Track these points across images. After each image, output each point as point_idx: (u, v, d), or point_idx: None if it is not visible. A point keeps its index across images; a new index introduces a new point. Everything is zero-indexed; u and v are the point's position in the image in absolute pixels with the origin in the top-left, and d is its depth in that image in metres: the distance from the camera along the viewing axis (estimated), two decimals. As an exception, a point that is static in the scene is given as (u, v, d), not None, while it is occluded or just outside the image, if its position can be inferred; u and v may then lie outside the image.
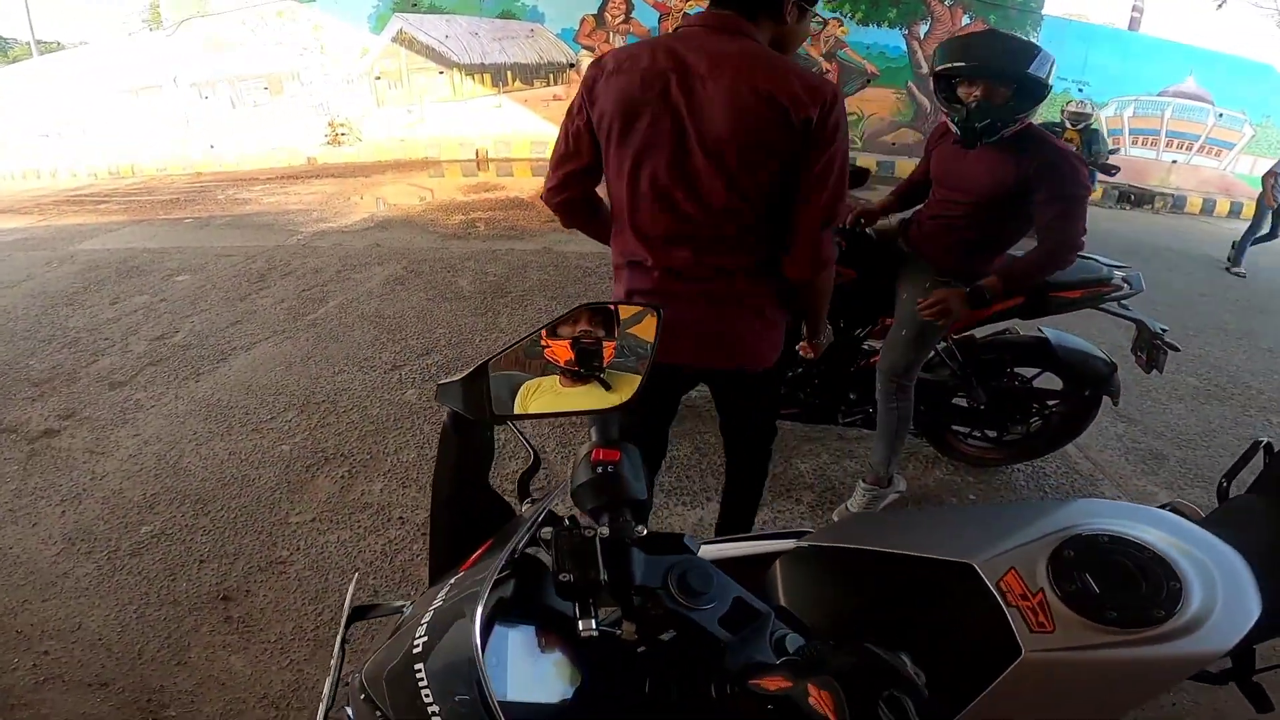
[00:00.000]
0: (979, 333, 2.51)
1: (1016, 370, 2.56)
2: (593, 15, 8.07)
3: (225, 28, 8.82)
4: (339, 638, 0.75)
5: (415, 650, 0.59)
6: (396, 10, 8.26)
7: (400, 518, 2.23)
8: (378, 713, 0.61)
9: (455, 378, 0.75)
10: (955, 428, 2.63)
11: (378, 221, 5.93)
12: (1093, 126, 5.54)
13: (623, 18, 7.98)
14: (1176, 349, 2.36)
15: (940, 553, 0.85)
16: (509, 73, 8.40)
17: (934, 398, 2.46)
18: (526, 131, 8.58)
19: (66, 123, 9.84)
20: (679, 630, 0.64)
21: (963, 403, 2.54)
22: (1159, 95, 8.64)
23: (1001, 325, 2.51)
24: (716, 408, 1.68)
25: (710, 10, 1.24)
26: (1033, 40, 7.94)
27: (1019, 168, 1.86)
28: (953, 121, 1.95)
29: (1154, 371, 2.37)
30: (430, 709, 0.54)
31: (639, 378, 0.76)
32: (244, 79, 9.07)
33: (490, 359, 0.74)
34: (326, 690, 0.67)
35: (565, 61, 8.36)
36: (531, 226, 5.69)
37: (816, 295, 1.38)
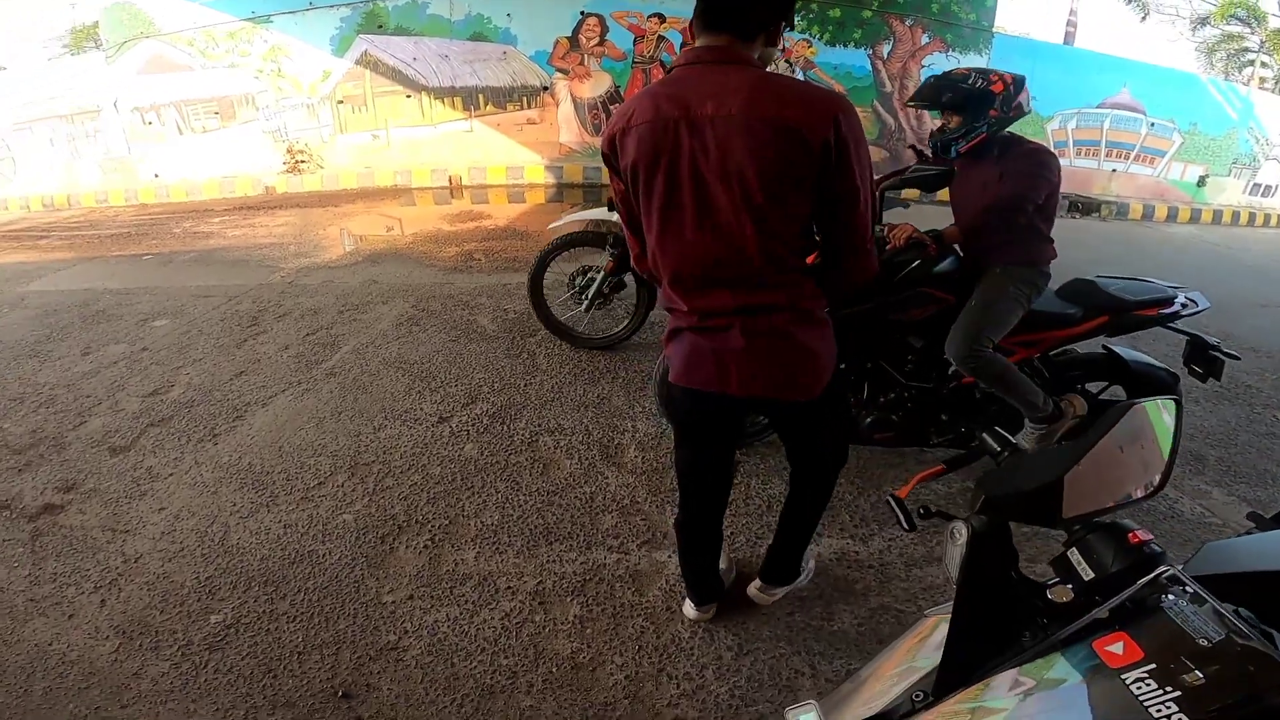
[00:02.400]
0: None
1: (1085, 386, 2.62)
2: (566, 37, 7.98)
3: (172, 50, 8.27)
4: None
5: None
6: (361, 32, 7.94)
7: (509, 588, 2.05)
8: None
9: (1013, 489, 0.77)
10: None
11: (366, 255, 5.63)
12: None
13: (597, 40, 7.91)
14: (1237, 358, 2.46)
15: None
16: (481, 96, 8.19)
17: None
18: (500, 157, 8.34)
19: (-11, 152, 9.00)
20: None
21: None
22: (1098, 107, 9.22)
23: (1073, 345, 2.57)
24: (779, 436, 1.75)
25: (702, 45, 1.20)
26: (983, 61, 8.35)
27: (999, 166, 2.28)
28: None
29: (1210, 380, 2.48)
30: None
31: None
32: (191, 103, 8.52)
33: (1064, 473, 0.75)
34: None
35: (539, 85, 8.22)
36: (534, 258, 5.51)
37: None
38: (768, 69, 1.24)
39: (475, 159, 8.34)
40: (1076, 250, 5.76)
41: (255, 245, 6.11)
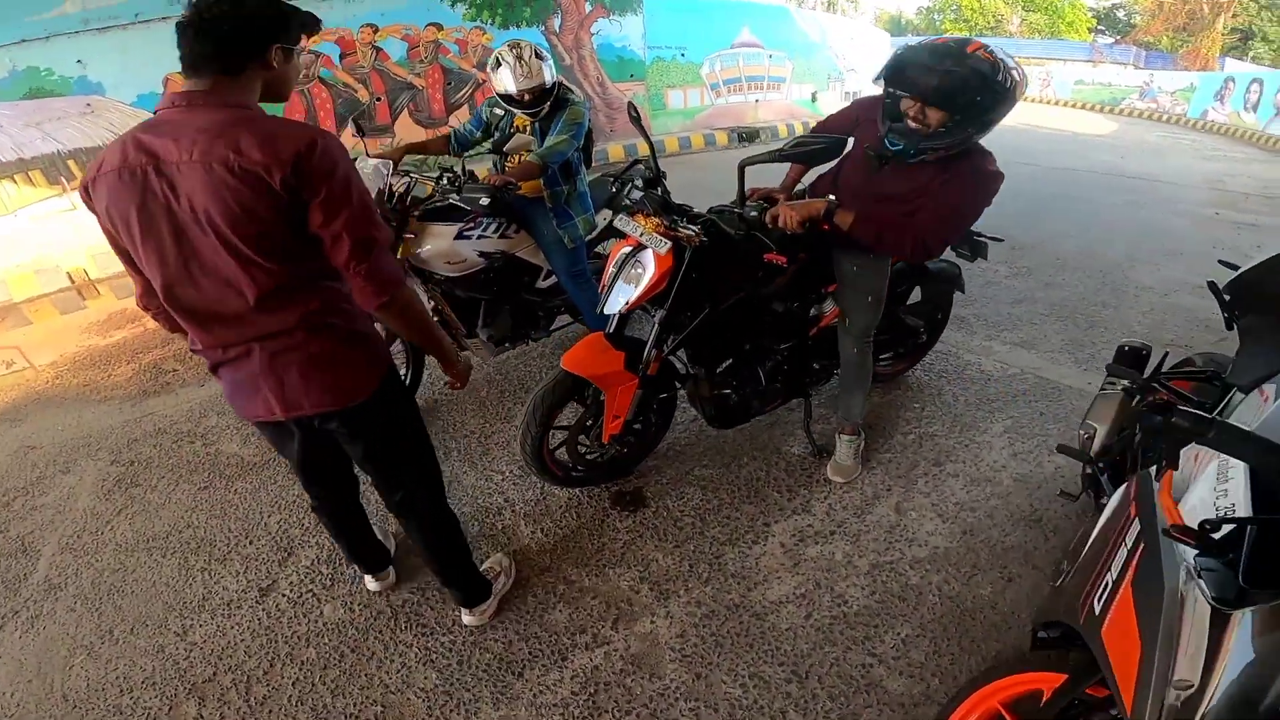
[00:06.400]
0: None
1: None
2: (179, 73, 6.28)
3: None
4: None
5: None
6: None
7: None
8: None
9: None
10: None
11: (-10, 417, 3.86)
12: (570, 99, 2.79)
13: None
14: (1000, 240, 2.88)
15: None
16: (71, 162, 6.10)
17: None
18: (134, 230, 6.31)
19: None
20: None
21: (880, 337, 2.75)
22: (732, 48, 10.49)
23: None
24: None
25: (184, 90, 1.18)
26: (638, 21, 8.79)
27: (944, 172, 1.86)
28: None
29: (978, 260, 2.86)
30: None
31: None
32: None
33: None
34: None
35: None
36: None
37: (404, 326, 1.37)
38: (290, 85, 1.28)
39: (96, 242, 6.26)
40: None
41: None
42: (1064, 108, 17.09)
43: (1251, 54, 23.49)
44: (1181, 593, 0.83)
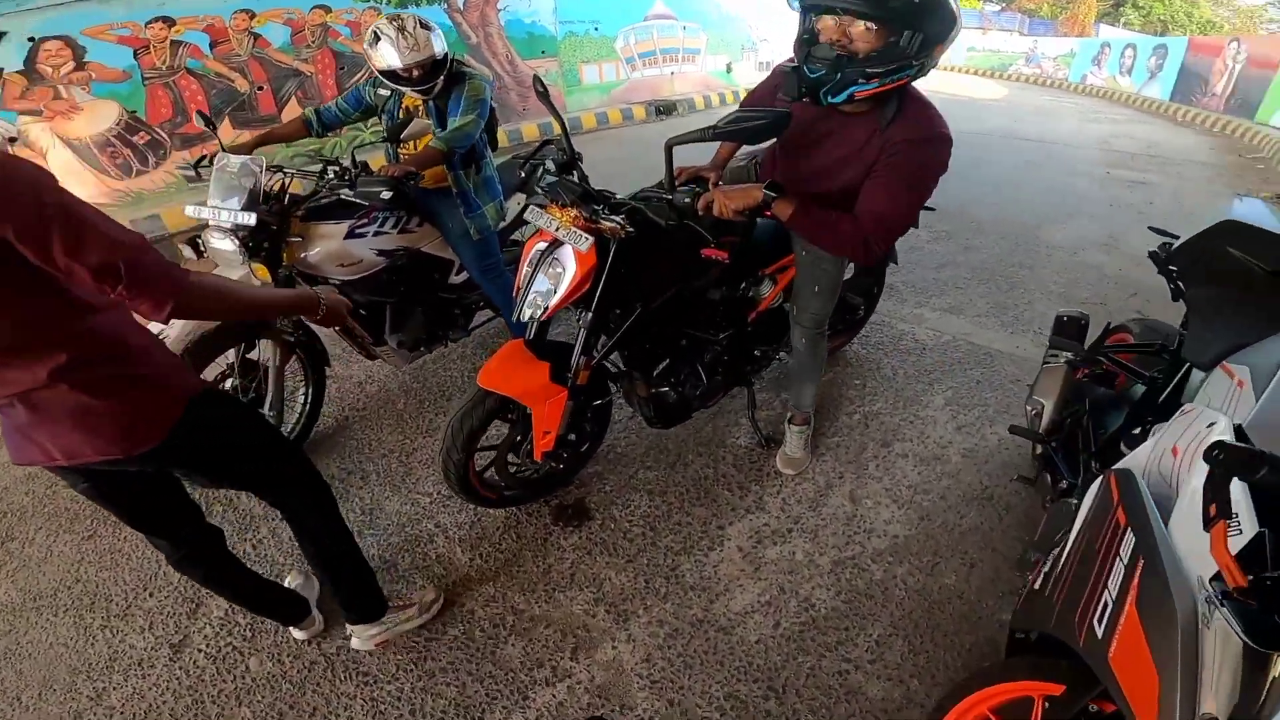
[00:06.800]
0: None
1: None
2: (19, 71, 5.43)
3: None
4: None
5: None
6: None
7: None
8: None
9: None
10: None
11: None
12: (467, 73, 2.62)
13: (72, 65, 5.59)
14: (932, 209, 2.87)
15: None
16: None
17: None
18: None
19: None
20: None
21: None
22: (645, 20, 10.23)
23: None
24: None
25: None
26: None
27: (884, 134, 1.66)
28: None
29: (910, 228, 2.85)
30: None
31: None
32: None
33: None
34: None
35: (2, 135, 5.58)
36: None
37: (216, 316, 1.42)
38: None
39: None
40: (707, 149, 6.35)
41: None
42: (958, 73, 17.77)
43: (1123, 20, 25.17)
44: (1198, 619, 0.76)
